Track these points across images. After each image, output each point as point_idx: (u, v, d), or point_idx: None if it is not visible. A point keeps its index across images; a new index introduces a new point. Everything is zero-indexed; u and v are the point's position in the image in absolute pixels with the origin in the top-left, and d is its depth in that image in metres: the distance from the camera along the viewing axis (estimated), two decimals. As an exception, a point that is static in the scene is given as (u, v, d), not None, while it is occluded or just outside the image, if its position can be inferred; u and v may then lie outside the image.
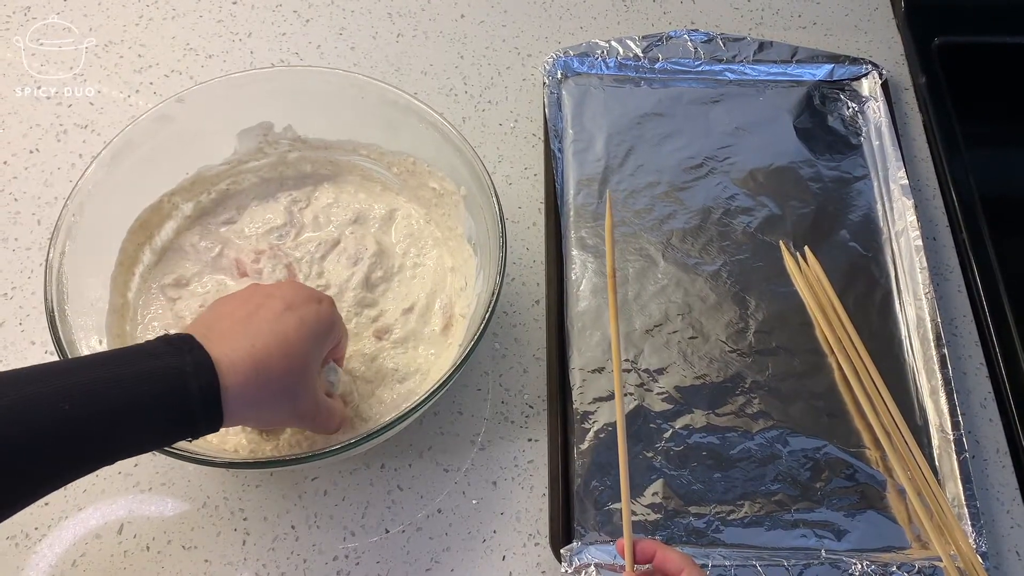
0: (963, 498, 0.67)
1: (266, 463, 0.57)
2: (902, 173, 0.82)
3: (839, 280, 0.78)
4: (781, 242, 0.80)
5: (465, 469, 0.69)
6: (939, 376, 0.72)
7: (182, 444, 0.56)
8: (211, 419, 0.49)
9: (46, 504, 0.66)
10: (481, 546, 0.66)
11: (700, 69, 0.89)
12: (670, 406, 0.71)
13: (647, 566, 0.56)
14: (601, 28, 0.94)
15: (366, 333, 0.70)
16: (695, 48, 0.89)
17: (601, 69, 0.88)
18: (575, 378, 0.72)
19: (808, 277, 0.77)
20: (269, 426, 0.61)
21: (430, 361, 0.70)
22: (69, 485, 0.65)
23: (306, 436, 0.64)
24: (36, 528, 0.65)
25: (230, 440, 0.64)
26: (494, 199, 0.65)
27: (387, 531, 0.66)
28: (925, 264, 0.77)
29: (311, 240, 0.73)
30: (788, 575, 0.64)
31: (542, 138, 0.85)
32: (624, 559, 0.55)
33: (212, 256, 0.72)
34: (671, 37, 0.89)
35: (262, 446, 0.64)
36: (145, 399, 0.46)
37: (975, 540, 0.66)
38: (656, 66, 0.89)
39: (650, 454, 0.69)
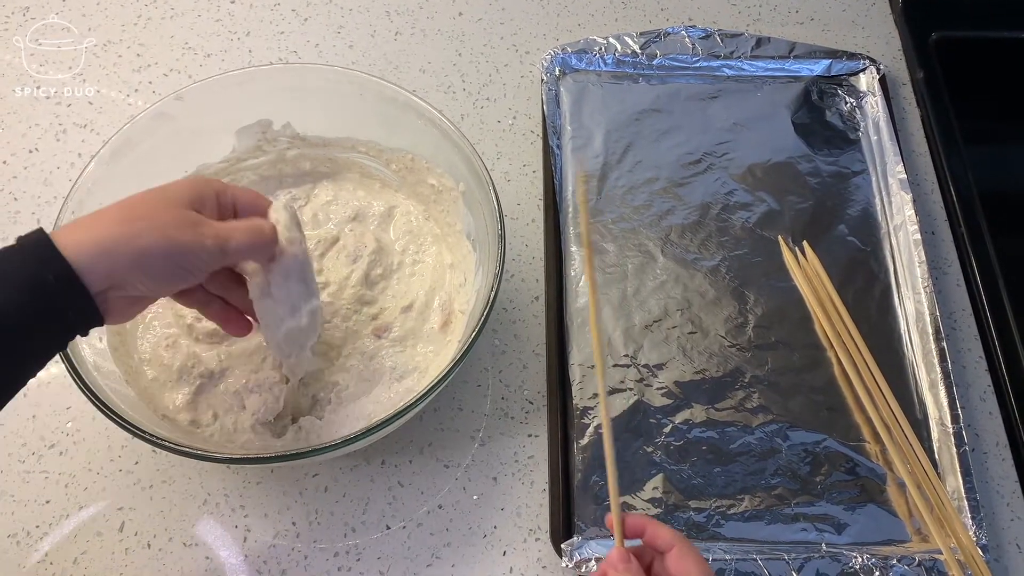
0: (963, 491, 0.68)
1: (266, 459, 0.57)
2: (900, 168, 0.82)
3: (838, 274, 0.78)
4: (780, 237, 0.80)
5: (465, 465, 0.69)
6: (938, 370, 0.72)
7: (181, 440, 0.56)
8: (61, 273, 0.47)
9: (47, 502, 0.66)
10: (482, 541, 0.66)
11: (698, 65, 0.89)
12: (670, 401, 0.71)
13: (637, 542, 0.54)
14: (599, 25, 0.94)
15: (365, 331, 0.70)
16: (693, 44, 0.89)
17: (599, 66, 0.89)
18: (575, 374, 0.72)
19: (807, 272, 0.77)
20: (168, 275, 0.52)
21: (429, 359, 0.70)
22: (70, 483, 0.66)
23: (308, 432, 0.64)
24: (37, 526, 0.65)
25: (238, 438, 0.64)
26: (493, 194, 0.65)
27: (388, 527, 0.66)
28: (924, 258, 0.77)
29: (310, 238, 0.73)
30: (789, 569, 0.64)
31: (540, 135, 0.85)
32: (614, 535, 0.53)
33: (211, 254, 0.72)
34: (669, 33, 0.90)
35: (272, 443, 0.64)
36: None
37: (975, 533, 0.66)
38: (654, 62, 0.89)
39: (650, 449, 0.69)
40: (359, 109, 0.72)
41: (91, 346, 0.61)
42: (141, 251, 0.49)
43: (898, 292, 0.78)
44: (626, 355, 0.73)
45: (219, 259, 0.53)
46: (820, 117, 0.87)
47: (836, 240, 0.80)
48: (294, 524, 0.66)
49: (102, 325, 0.51)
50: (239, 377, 0.66)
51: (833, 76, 0.90)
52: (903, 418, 0.70)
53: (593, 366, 0.72)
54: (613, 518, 0.53)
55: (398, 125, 0.71)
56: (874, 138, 0.86)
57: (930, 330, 0.74)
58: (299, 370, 0.65)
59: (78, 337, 0.59)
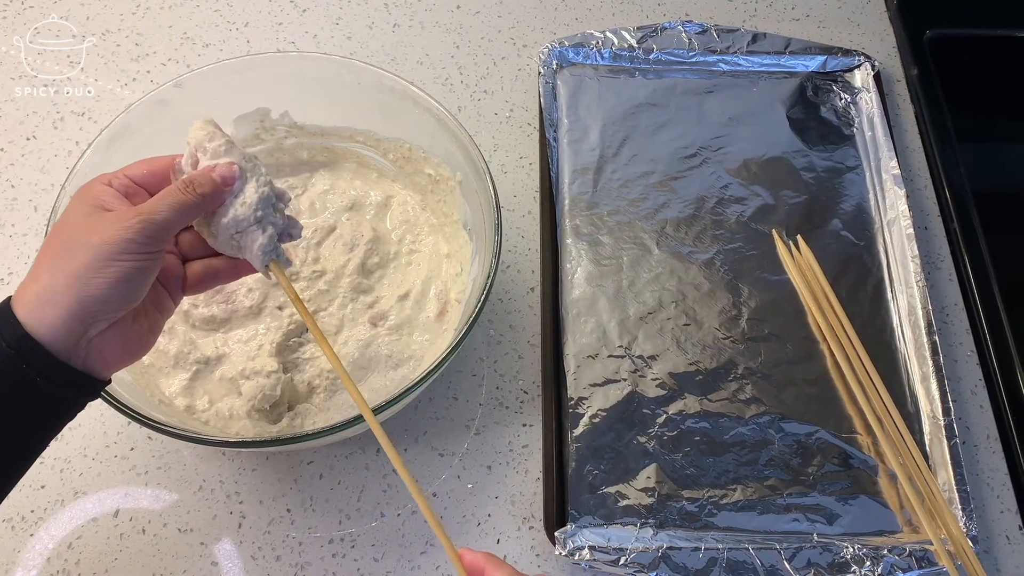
0: (954, 483, 0.68)
1: (261, 443, 0.57)
2: (894, 163, 0.82)
3: (831, 269, 0.78)
4: (774, 231, 0.80)
5: (460, 454, 0.70)
6: (930, 363, 0.73)
7: (177, 425, 0.57)
8: (13, 340, 0.45)
9: (42, 487, 0.66)
10: (476, 529, 0.67)
11: (694, 60, 0.90)
12: (664, 392, 0.72)
13: None
14: (596, 19, 0.94)
15: (362, 319, 0.71)
16: (689, 39, 0.90)
17: (596, 59, 0.89)
18: (569, 364, 0.72)
19: (801, 265, 0.78)
20: (120, 276, 0.47)
21: (424, 347, 0.70)
22: (65, 468, 0.66)
23: (303, 419, 0.64)
24: (32, 511, 0.65)
25: (233, 424, 0.65)
26: (489, 183, 0.65)
27: (382, 515, 0.67)
28: (917, 253, 0.77)
29: (307, 226, 0.73)
30: (780, 558, 0.64)
31: (537, 127, 0.85)
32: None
33: (208, 242, 0.72)
34: (665, 28, 0.90)
35: (267, 429, 0.65)
36: None
37: (965, 524, 0.66)
38: (651, 57, 0.89)
39: (644, 439, 0.69)
40: (357, 98, 0.72)
41: (88, 331, 0.61)
42: (77, 275, 0.46)
43: (891, 286, 0.78)
44: (621, 346, 0.73)
45: (153, 236, 0.48)
46: (815, 113, 0.88)
47: (830, 234, 0.80)
48: (289, 511, 0.67)
49: (95, 382, 0.48)
50: (235, 364, 0.66)
51: (828, 72, 0.90)
52: (895, 411, 0.71)
53: (588, 356, 0.72)
54: (451, 556, 0.49)
55: (396, 115, 0.72)
56: (868, 134, 0.86)
57: (922, 324, 0.74)
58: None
59: None
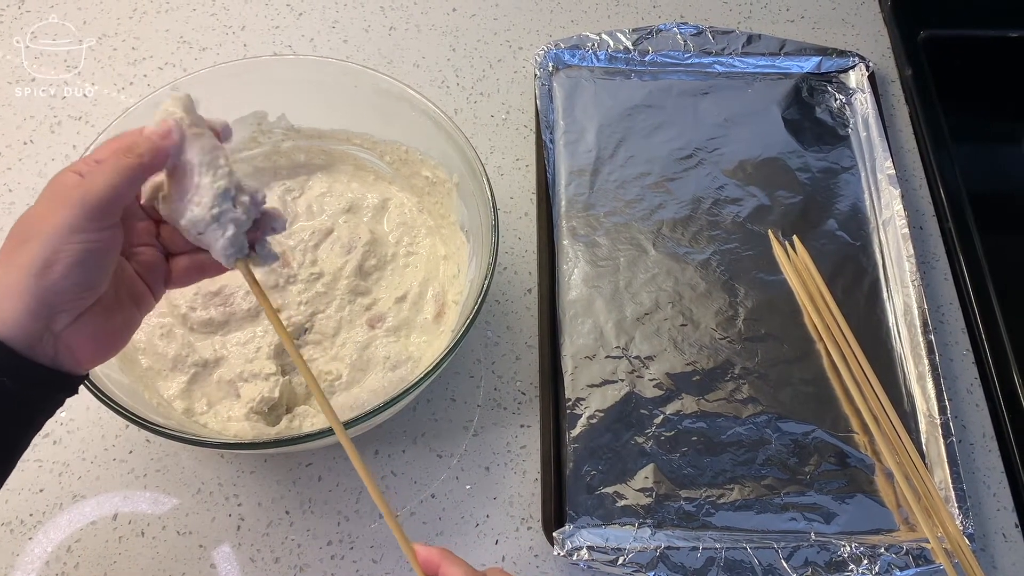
0: (950, 482, 0.68)
1: (259, 444, 0.57)
2: (889, 163, 0.83)
3: (827, 268, 0.79)
4: (770, 231, 0.80)
5: (458, 455, 0.70)
6: (926, 362, 0.73)
7: (176, 427, 0.57)
8: None
9: (41, 491, 0.66)
10: (474, 530, 0.67)
11: (689, 62, 0.90)
12: (661, 392, 0.72)
13: None
14: (592, 21, 0.94)
15: (359, 321, 0.71)
16: (684, 41, 0.90)
17: (592, 62, 0.89)
18: (567, 365, 0.72)
19: (797, 265, 0.78)
20: (75, 259, 0.44)
21: (422, 349, 0.70)
22: (63, 472, 0.66)
23: (301, 421, 0.64)
24: (31, 515, 0.65)
25: (232, 427, 0.65)
26: (486, 184, 0.65)
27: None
28: (912, 252, 0.78)
29: (304, 229, 0.74)
30: (778, 557, 0.65)
31: (533, 129, 0.86)
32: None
33: (205, 244, 0.72)
34: (661, 30, 0.90)
35: (266, 431, 0.65)
36: None
37: (962, 522, 0.67)
38: (646, 59, 0.89)
39: (641, 439, 0.70)
40: (354, 101, 0.72)
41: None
42: (29, 266, 0.44)
43: (887, 286, 0.79)
44: (618, 347, 0.74)
45: (98, 209, 0.45)
46: (810, 113, 0.88)
47: (826, 234, 0.81)
48: (287, 513, 0.67)
49: (69, 378, 0.47)
50: (234, 366, 0.67)
51: (823, 73, 0.91)
52: (891, 409, 0.71)
53: (585, 357, 0.73)
54: (406, 552, 0.48)
55: (393, 117, 0.72)
56: (863, 134, 0.86)
57: (918, 323, 0.75)
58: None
59: None
